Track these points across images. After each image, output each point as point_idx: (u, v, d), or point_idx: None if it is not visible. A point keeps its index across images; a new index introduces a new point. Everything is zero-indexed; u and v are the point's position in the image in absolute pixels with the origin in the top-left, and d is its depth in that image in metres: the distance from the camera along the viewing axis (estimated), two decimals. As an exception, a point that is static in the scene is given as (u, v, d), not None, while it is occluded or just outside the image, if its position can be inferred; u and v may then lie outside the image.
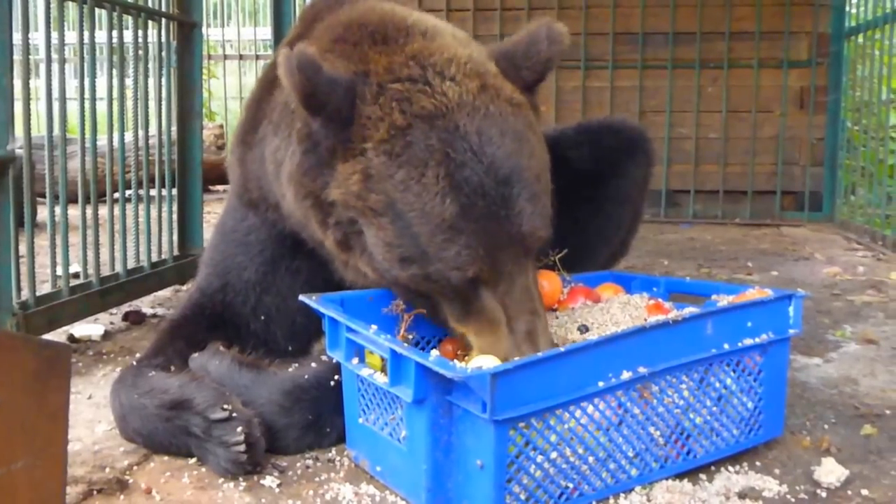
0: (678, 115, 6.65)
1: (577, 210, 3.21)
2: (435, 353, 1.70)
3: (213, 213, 7.69)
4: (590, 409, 1.71)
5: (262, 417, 1.93)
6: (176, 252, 3.70)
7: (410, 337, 2.07)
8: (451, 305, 1.92)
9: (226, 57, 9.74)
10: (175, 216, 3.74)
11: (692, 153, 6.64)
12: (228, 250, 2.35)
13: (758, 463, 1.99)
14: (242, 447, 1.80)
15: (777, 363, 2.03)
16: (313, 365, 2.07)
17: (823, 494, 1.82)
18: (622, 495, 1.79)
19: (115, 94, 3.22)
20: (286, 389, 1.98)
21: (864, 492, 1.83)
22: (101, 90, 3.18)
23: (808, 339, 3.14)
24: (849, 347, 3.02)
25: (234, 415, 1.84)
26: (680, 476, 1.87)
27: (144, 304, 3.47)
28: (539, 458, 1.65)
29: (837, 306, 3.65)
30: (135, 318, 3.24)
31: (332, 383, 1.99)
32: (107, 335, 3.06)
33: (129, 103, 3.35)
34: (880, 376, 2.69)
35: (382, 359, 1.76)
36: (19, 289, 2.64)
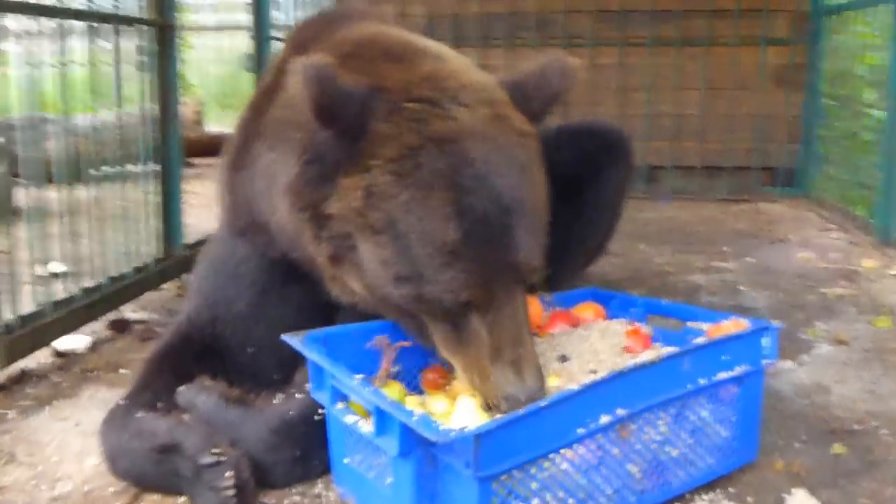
0: (658, 92, 6.65)
1: (556, 215, 3.25)
2: (419, 409, 1.72)
3: (194, 193, 7.62)
4: (569, 454, 1.77)
5: (250, 455, 1.97)
6: (159, 255, 3.71)
7: (394, 370, 2.12)
8: (438, 327, 1.94)
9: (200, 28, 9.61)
10: (158, 215, 3.74)
11: (671, 130, 6.67)
12: (218, 282, 2.36)
13: (731, 489, 2.06)
14: (232, 492, 1.85)
15: (752, 392, 2.10)
16: (298, 396, 2.11)
17: (794, 527, 1.90)
18: (600, 531, 1.86)
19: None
20: (273, 427, 2.01)
21: (833, 524, 1.91)
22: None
23: (781, 338, 3.20)
24: (821, 349, 3.09)
25: (223, 459, 1.87)
26: (656, 508, 1.95)
27: (128, 309, 3.48)
28: (521, 506, 1.71)
29: (811, 300, 3.72)
30: (119, 327, 3.25)
31: (317, 417, 2.03)
32: (91, 347, 3.08)
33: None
34: (850, 383, 2.76)
35: (368, 399, 1.80)
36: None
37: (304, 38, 2.32)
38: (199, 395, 2.10)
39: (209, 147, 9.57)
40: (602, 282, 4.01)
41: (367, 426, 1.78)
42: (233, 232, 2.34)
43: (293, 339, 2.01)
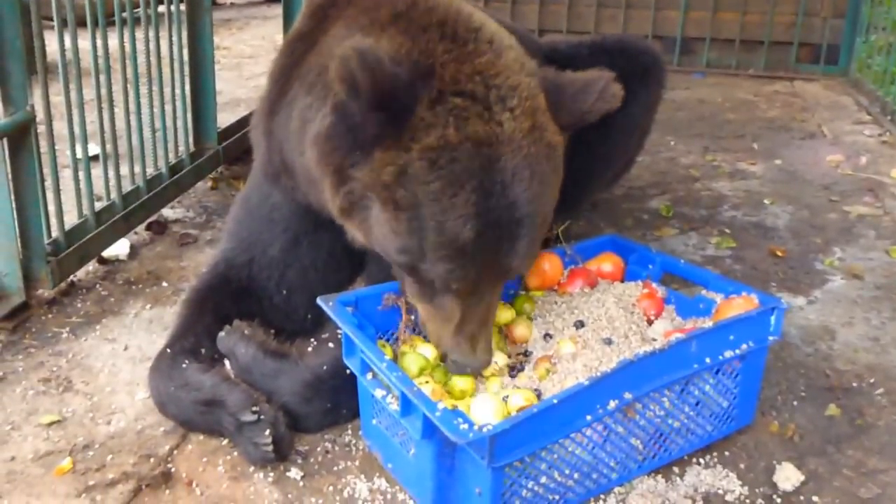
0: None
1: (584, 135, 3.26)
2: (442, 404, 1.84)
3: (224, 48, 7.49)
4: (578, 437, 1.93)
5: (286, 406, 2.16)
6: (192, 148, 3.78)
7: (413, 318, 2.26)
8: (418, 287, 2.07)
9: None
10: (188, 112, 3.79)
11: (711, 1, 6.48)
12: (253, 226, 2.48)
13: (726, 453, 2.22)
14: (270, 447, 2.04)
15: (754, 364, 2.22)
16: (330, 347, 2.27)
17: (779, 501, 2.07)
18: (601, 496, 2.05)
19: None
20: (307, 381, 2.19)
21: (815, 498, 2.07)
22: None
23: (797, 267, 3.31)
24: (834, 283, 3.18)
25: (262, 417, 2.05)
26: (654, 472, 2.12)
27: (164, 207, 3.60)
28: (530, 485, 1.89)
29: (832, 220, 3.77)
30: (157, 229, 3.40)
31: (348, 371, 2.19)
32: (132, 251, 3.23)
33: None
34: (857, 327, 2.87)
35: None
36: (49, 228, 2.79)
37: None
38: (239, 345, 2.25)
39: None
40: (627, 188, 4.09)
41: (394, 403, 1.93)
42: (267, 178, 2.41)
43: (326, 304, 2.14)
